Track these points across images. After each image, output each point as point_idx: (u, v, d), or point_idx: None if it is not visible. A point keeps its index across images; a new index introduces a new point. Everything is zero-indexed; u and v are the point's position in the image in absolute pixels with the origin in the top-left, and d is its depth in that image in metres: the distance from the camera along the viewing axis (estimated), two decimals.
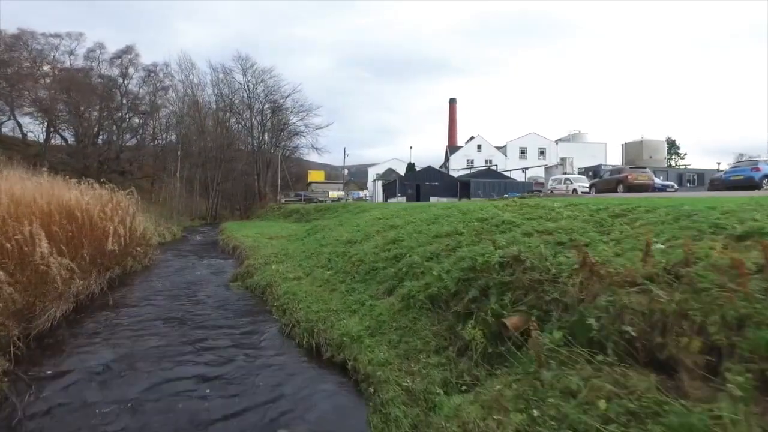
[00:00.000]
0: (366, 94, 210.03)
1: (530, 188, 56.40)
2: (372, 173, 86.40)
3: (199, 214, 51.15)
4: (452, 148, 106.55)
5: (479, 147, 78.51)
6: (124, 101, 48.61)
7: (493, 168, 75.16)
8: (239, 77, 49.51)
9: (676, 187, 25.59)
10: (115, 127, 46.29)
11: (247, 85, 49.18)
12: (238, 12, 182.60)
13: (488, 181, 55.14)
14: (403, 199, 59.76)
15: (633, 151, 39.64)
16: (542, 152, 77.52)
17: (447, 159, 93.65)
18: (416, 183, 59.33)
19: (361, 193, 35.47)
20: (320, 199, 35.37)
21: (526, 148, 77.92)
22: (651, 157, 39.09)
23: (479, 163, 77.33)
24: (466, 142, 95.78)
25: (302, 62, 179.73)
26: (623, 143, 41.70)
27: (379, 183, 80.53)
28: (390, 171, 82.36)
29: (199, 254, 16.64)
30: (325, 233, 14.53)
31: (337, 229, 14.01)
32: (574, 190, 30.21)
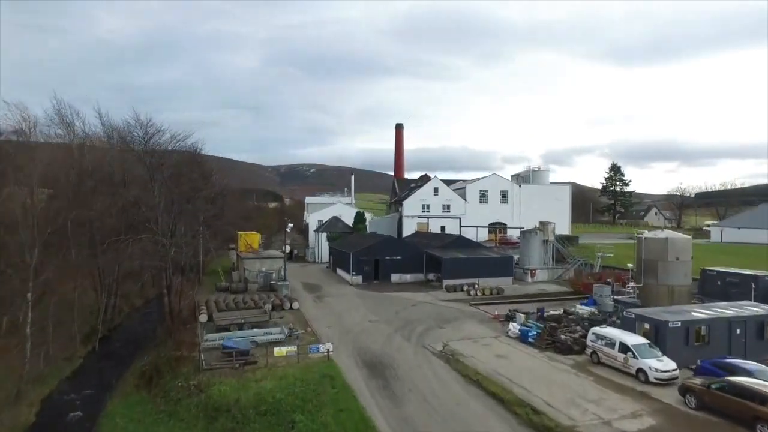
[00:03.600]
0: (297, 93, 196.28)
1: (512, 264, 48.33)
2: (314, 219, 74.81)
3: (84, 331, 36.67)
4: (400, 181, 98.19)
5: (436, 190, 69.89)
6: None
7: (455, 219, 66.83)
8: (140, 147, 35.40)
9: None
10: None
11: (151, 160, 34.87)
12: (161, 4, 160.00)
13: (462, 258, 46.19)
14: (359, 279, 49.27)
15: (655, 250, 32.22)
16: (504, 195, 70.68)
17: (397, 195, 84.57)
18: (374, 258, 49.02)
19: (322, 348, 24.75)
20: (256, 359, 24.43)
21: (486, 191, 70.69)
22: (678, 258, 31.85)
23: (436, 209, 69.00)
24: (419, 179, 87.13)
25: (230, 59, 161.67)
26: (641, 236, 34.25)
27: (323, 236, 69.27)
28: (335, 220, 71.38)
29: None
30: None
31: None
32: (641, 370, 20.98)
